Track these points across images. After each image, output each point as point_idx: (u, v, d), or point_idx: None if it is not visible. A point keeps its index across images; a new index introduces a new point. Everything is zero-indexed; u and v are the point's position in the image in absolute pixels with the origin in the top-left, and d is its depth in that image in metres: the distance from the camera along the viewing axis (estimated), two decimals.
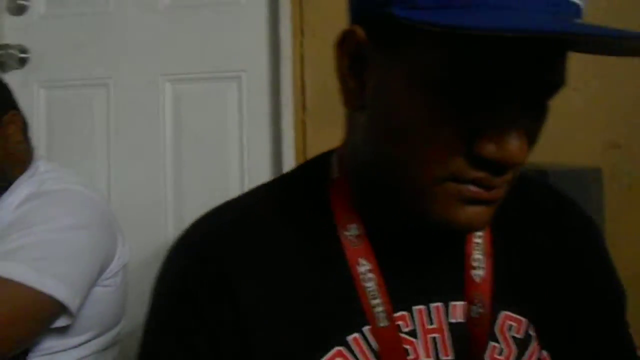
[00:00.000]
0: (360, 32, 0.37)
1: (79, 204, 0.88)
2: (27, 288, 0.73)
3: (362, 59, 0.37)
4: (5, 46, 1.21)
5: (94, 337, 0.89)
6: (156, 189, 1.18)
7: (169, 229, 1.17)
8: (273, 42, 1.13)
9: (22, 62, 1.22)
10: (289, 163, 1.07)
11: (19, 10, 1.24)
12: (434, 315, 0.42)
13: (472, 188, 0.35)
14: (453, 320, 0.42)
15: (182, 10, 1.19)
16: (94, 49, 1.21)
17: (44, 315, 0.76)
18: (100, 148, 1.20)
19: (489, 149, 0.33)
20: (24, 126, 0.97)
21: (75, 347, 0.86)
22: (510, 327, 0.43)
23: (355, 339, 0.41)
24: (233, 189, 1.16)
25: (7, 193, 0.91)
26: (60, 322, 0.80)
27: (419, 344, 0.41)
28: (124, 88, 1.20)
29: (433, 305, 0.42)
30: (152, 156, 1.19)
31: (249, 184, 1.16)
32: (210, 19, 1.17)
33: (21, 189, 0.89)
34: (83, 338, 0.86)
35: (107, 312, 0.90)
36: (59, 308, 0.77)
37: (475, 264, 0.44)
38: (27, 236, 0.78)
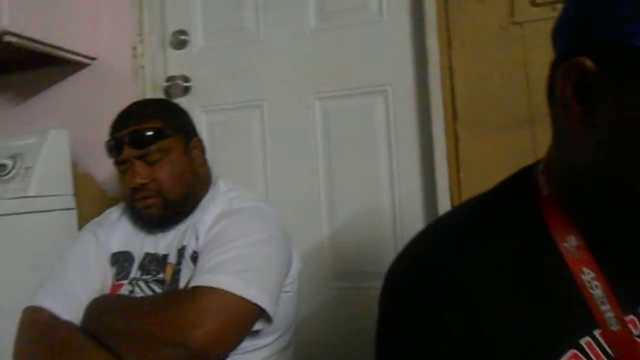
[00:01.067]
0: (589, 63, 0.40)
1: (266, 218, 0.97)
2: (236, 297, 0.82)
3: (588, 86, 0.41)
4: (172, 77, 1.37)
5: (278, 338, 0.97)
6: (310, 201, 1.26)
7: (324, 238, 1.25)
8: (419, 54, 1.17)
9: (186, 90, 1.36)
10: (442, 171, 1.10)
11: (181, 44, 1.39)
12: None
13: None
14: None
15: (327, 32, 1.26)
16: (248, 75, 1.32)
17: (249, 321, 0.86)
18: (256, 164, 1.31)
19: None
20: (204, 150, 1.09)
21: (263, 347, 0.95)
22: None
23: (588, 343, 0.43)
24: (384, 199, 1.21)
25: (199, 211, 1.03)
26: (257, 326, 0.89)
27: None
28: (277, 108, 1.29)
29: None
30: (306, 170, 1.27)
31: (399, 194, 1.20)
32: (354, 37, 1.24)
33: (212, 207, 1.00)
34: (270, 339, 0.95)
35: (288, 315, 0.98)
36: (259, 314, 0.86)
37: None
38: (229, 251, 0.88)
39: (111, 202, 1.36)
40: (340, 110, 1.25)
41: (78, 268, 1.01)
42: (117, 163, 1.01)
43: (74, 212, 1.32)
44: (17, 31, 1.17)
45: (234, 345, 0.84)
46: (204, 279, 0.83)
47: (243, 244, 0.89)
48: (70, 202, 1.31)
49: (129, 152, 0.98)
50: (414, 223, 1.18)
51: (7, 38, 1.16)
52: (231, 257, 0.87)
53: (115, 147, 1.00)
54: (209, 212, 0.99)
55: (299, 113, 1.28)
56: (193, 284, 0.84)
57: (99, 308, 0.92)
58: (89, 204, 1.35)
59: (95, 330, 0.89)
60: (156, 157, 0.98)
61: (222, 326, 0.80)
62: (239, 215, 0.96)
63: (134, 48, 1.36)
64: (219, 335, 0.80)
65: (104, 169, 1.38)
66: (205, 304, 0.80)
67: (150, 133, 0.97)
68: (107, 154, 1.03)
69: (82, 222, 1.32)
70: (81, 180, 1.36)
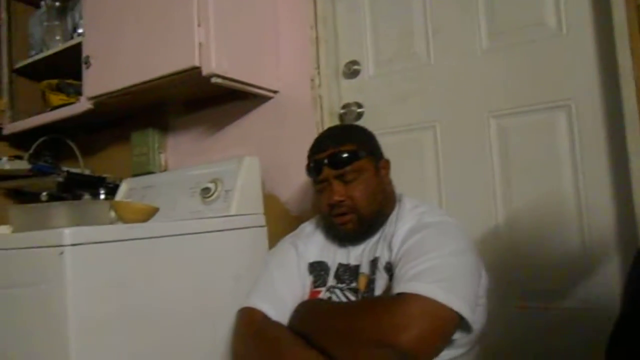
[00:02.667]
0: None
1: (457, 232, 1.01)
2: (438, 304, 0.87)
3: None
4: (347, 105, 1.48)
5: (470, 350, 0.99)
6: (488, 219, 1.27)
7: (504, 257, 1.24)
8: (606, 67, 1.13)
9: (359, 115, 1.46)
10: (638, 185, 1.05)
11: (354, 74, 1.50)
12: None
13: None
14: None
15: (500, 51, 1.28)
16: (419, 98, 1.38)
17: (451, 327, 0.89)
18: (431, 184, 1.36)
19: None
20: (389, 170, 1.16)
21: (457, 357, 0.97)
22: None
23: None
24: (569, 217, 1.17)
25: (388, 226, 1.10)
26: (455, 335, 0.92)
27: None
28: (450, 128, 1.33)
29: None
30: (481, 188, 1.28)
31: (587, 211, 1.16)
32: (530, 54, 1.23)
33: (403, 222, 1.06)
34: (462, 350, 0.97)
35: (480, 328, 1.00)
36: (459, 322, 0.90)
37: None
38: (427, 261, 0.93)
39: (293, 220, 1.50)
40: (518, 127, 1.25)
41: (282, 275, 1.14)
42: (316, 182, 1.13)
43: (265, 229, 1.47)
44: (222, 73, 1.37)
45: (439, 349, 0.89)
46: (407, 287, 0.89)
47: (439, 255, 0.94)
48: (261, 220, 1.47)
49: (327, 172, 1.09)
50: (605, 241, 1.13)
51: (214, 79, 1.36)
52: (430, 267, 0.92)
53: (315, 168, 1.11)
54: (400, 226, 1.05)
55: (473, 132, 1.30)
56: (397, 290, 0.90)
57: (310, 310, 1.03)
58: (275, 221, 1.50)
59: (305, 330, 0.99)
60: (351, 177, 1.08)
61: (428, 330, 0.85)
62: (431, 228, 1.01)
63: (312, 80, 1.50)
64: (426, 339, 0.85)
65: (286, 190, 1.53)
66: (412, 309, 0.86)
67: (346, 155, 1.08)
68: (307, 174, 1.15)
69: (271, 238, 1.47)
70: (268, 201, 1.52)
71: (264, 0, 1.55)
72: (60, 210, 1.37)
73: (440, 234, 1.00)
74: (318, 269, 1.15)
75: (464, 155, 1.31)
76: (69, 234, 1.00)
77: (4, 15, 1.96)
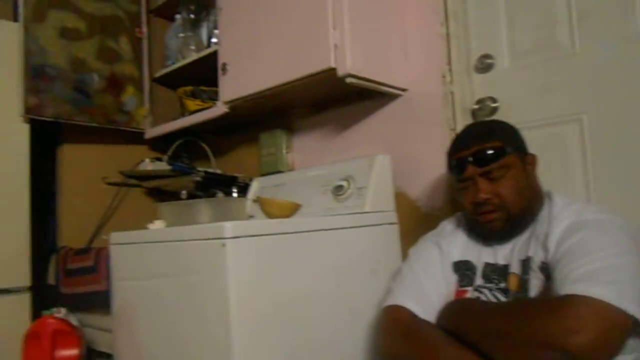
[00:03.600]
0: None
1: (624, 230, 0.94)
2: (613, 307, 0.81)
3: None
4: (480, 100, 1.44)
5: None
6: None
7: None
8: None
9: (494, 110, 1.42)
10: None
11: (486, 68, 1.46)
12: None
13: None
14: None
15: None
16: (561, 90, 1.31)
17: (626, 333, 0.83)
18: (577, 180, 1.28)
19: None
20: (536, 165, 1.11)
21: None
22: None
23: None
24: None
25: (540, 224, 1.06)
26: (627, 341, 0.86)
27: None
28: (600, 121, 1.25)
29: None
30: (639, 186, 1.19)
31: None
32: None
33: (558, 220, 1.02)
34: (630, 357, 0.91)
35: None
36: (632, 327, 0.84)
37: None
38: (596, 261, 0.88)
39: (424, 217, 1.49)
40: None
41: (427, 273, 1.14)
42: (459, 180, 1.11)
43: (396, 226, 1.48)
44: (356, 73, 1.39)
45: (612, 356, 0.83)
46: (576, 288, 0.85)
47: (609, 254, 0.89)
48: (393, 217, 1.48)
49: (472, 170, 1.07)
50: None
51: (349, 80, 1.39)
52: (600, 268, 0.87)
53: (458, 166, 1.10)
54: (556, 225, 1.01)
55: (627, 124, 1.21)
56: (564, 292, 0.86)
57: (463, 310, 1.02)
58: (406, 218, 1.50)
59: (458, 330, 0.98)
60: (498, 174, 1.05)
61: (603, 335, 0.80)
62: (595, 226, 0.95)
63: (443, 76, 1.48)
64: (601, 344, 0.80)
65: (417, 187, 1.52)
66: (584, 312, 0.81)
67: (492, 152, 1.05)
68: (450, 172, 1.14)
69: (402, 235, 1.48)
70: (398, 198, 1.52)
71: None
72: (204, 206, 1.48)
73: (604, 233, 0.94)
74: (463, 268, 1.13)
75: (618, 150, 1.22)
76: (229, 227, 1.08)
77: (145, 30, 2.15)
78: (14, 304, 1.74)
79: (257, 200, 1.32)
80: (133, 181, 2.11)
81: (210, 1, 1.96)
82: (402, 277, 1.16)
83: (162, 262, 1.28)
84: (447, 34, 1.49)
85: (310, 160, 1.82)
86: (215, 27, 1.91)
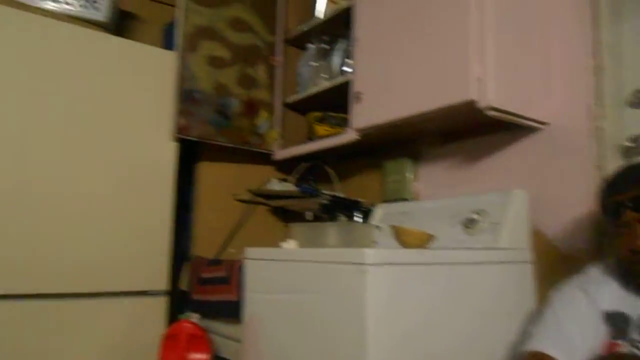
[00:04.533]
0: None
1: None
2: None
3: None
4: (635, 138, 1.35)
5: None
6: None
7: None
8: None
9: None
10: None
11: None
12: None
13: None
14: None
15: None
16: None
17: None
18: None
19: None
20: None
21: None
22: None
23: None
24: None
25: None
26: None
27: None
28: None
29: None
30: None
31: None
32: None
33: None
34: None
35: None
36: None
37: None
38: None
39: (562, 258, 1.41)
40: None
41: (572, 320, 1.07)
42: (614, 225, 1.04)
43: (531, 265, 1.41)
44: (498, 106, 1.37)
45: None
46: None
47: None
48: (528, 255, 1.42)
49: (631, 215, 1.00)
50: None
51: (491, 113, 1.37)
52: None
53: (614, 210, 1.03)
54: None
55: None
56: None
57: None
58: (541, 258, 1.43)
59: None
60: None
61: None
62: None
63: (590, 111, 1.41)
64: None
65: (555, 226, 1.45)
66: None
67: None
68: (603, 214, 1.08)
69: (538, 275, 1.41)
70: (534, 236, 1.46)
71: (537, 29, 1.53)
72: (334, 230, 1.52)
73: None
74: (616, 320, 1.05)
75: None
76: (371, 254, 1.10)
77: (281, 58, 2.30)
78: (152, 305, 1.90)
79: (393, 229, 1.34)
80: (260, 199, 2.24)
81: (342, 32, 2.05)
82: (544, 322, 1.11)
83: (295, 280, 1.34)
84: (597, 66, 1.42)
85: (436, 190, 1.81)
86: (348, 57, 1.99)
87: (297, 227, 1.62)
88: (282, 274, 1.42)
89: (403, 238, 1.28)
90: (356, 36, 1.81)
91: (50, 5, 1.92)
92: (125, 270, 1.84)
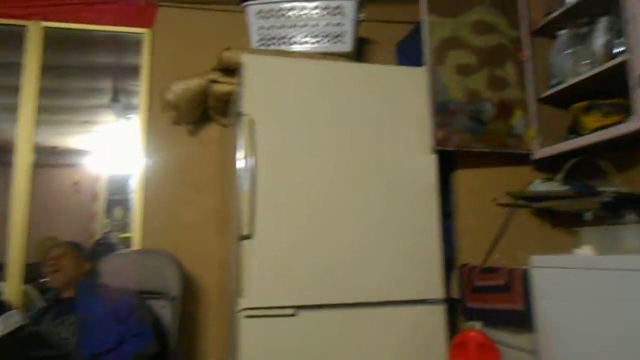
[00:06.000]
0: None
1: None
2: None
3: None
4: None
5: None
6: None
7: None
8: None
9: None
10: None
11: None
12: None
13: None
14: None
15: None
16: None
17: None
18: None
19: None
20: None
21: None
22: None
23: None
24: None
25: None
26: None
27: None
28: None
29: None
30: None
31: None
32: None
33: None
34: None
35: None
36: None
37: None
38: None
39: None
40: None
41: None
42: None
43: None
44: None
45: None
46: None
47: None
48: None
49: None
50: None
51: None
52: None
53: None
54: None
55: None
56: None
57: None
58: None
59: None
60: None
61: None
62: None
63: None
64: None
65: None
66: None
67: None
68: None
69: None
70: None
71: None
72: (632, 232, 1.37)
73: None
74: None
75: None
76: None
77: (528, 52, 2.18)
78: (431, 313, 1.97)
79: None
80: (522, 202, 2.15)
81: (601, 11, 1.85)
82: None
83: (595, 287, 1.25)
84: None
85: None
86: (618, 36, 1.78)
87: (587, 232, 1.51)
88: (578, 281, 1.34)
89: None
90: (632, 12, 1.61)
91: (299, 47, 2.20)
92: (403, 280, 1.96)
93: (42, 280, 2.43)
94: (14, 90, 2.64)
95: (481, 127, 2.07)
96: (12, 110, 2.66)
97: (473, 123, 2.06)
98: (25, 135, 2.58)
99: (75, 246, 2.08)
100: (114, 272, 2.10)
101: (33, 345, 1.36)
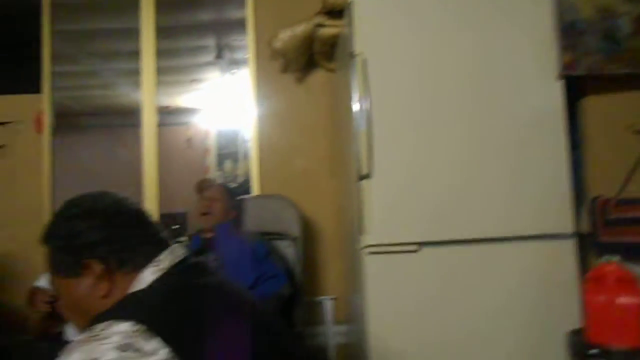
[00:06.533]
0: None
1: None
2: None
3: None
4: None
5: None
6: None
7: None
8: None
9: None
10: None
11: None
12: None
13: None
14: None
15: None
16: None
17: None
18: None
19: None
20: None
21: None
22: None
23: None
24: None
25: None
26: None
27: None
28: None
29: None
30: None
31: None
32: None
33: None
34: None
35: None
36: None
37: None
38: None
39: None
40: None
41: None
42: None
43: None
44: None
45: None
46: None
47: None
48: None
49: None
50: None
51: None
52: None
53: None
54: None
55: None
56: None
57: None
58: None
59: None
60: None
61: None
62: None
63: None
64: None
65: None
66: None
67: None
68: None
69: None
70: None
71: None
72: None
73: None
74: None
75: None
76: None
77: None
78: (560, 248, 1.89)
79: None
80: None
81: None
82: None
83: None
84: None
85: None
86: None
87: None
88: None
89: None
90: None
91: None
92: (530, 214, 1.88)
93: (174, 227, 2.66)
94: (134, 54, 2.83)
95: (616, 47, 1.88)
96: (133, 74, 2.86)
97: (606, 42, 1.87)
98: (148, 97, 2.77)
99: (228, 192, 2.19)
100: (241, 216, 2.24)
101: (198, 272, 1.53)
